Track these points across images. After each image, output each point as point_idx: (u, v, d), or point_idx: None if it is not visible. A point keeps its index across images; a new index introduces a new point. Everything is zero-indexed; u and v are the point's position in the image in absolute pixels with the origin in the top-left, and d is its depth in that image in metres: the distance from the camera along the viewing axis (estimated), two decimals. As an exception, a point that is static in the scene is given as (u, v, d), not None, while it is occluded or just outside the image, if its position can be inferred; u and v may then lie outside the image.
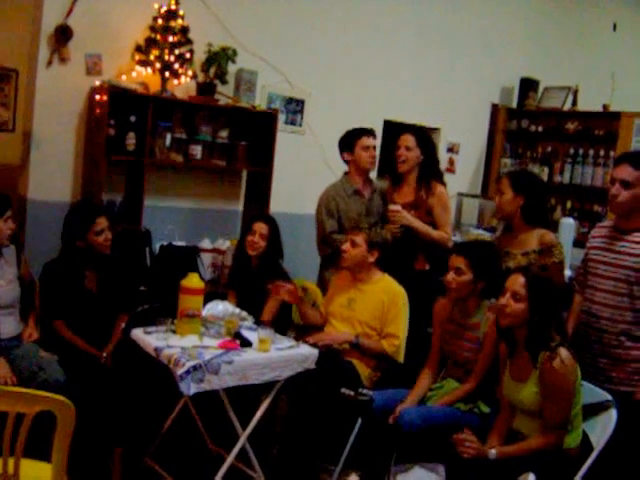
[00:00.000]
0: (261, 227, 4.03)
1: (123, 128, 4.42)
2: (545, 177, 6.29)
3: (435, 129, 6.17)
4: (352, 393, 3.34)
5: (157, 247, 4.63)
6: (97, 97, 4.36)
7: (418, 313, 3.76)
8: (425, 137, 4.29)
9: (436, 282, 3.71)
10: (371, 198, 4.38)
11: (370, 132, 4.35)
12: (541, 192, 3.81)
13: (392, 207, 4.12)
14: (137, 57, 4.46)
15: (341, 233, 4.17)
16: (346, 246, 3.75)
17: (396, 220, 4.07)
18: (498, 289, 3.02)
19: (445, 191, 4.30)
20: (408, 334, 3.74)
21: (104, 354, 3.57)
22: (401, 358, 3.73)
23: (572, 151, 6.24)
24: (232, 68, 4.86)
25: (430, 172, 4.24)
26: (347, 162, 4.38)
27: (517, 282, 2.88)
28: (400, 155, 4.20)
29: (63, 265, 3.70)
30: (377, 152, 4.46)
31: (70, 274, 3.67)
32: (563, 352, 2.78)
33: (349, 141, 4.33)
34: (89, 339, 3.60)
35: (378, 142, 4.61)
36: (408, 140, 4.19)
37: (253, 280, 4.05)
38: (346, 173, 4.42)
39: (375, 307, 3.71)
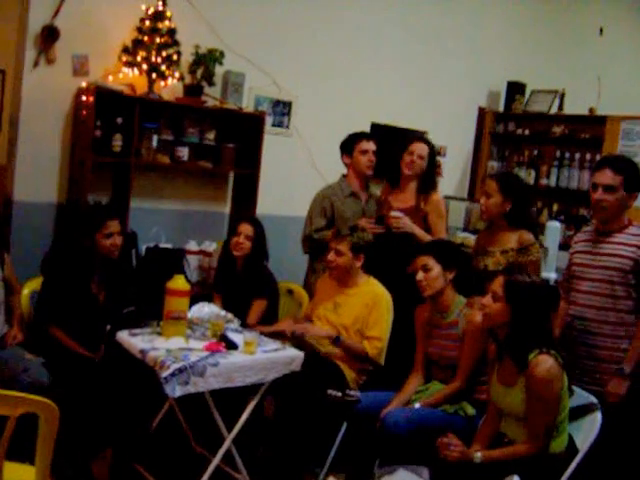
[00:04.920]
0: (246, 228, 4.04)
1: (109, 129, 4.40)
2: (531, 180, 6.32)
3: (422, 132, 6.17)
4: (339, 394, 3.35)
5: (143, 249, 4.61)
6: (83, 98, 4.34)
7: (411, 316, 3.72)
8: (434, 150, 4.36)
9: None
10: (367, 202, 4.42)
11: (370, 137, 4.41)
12: (527, 196, 3.84)
13: (394, 213, 4.13)
14: (124, 58, 4.44)
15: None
16: (331, 256, 3.75)
17: (398, 226, 4.09)
18: (472, 285, 3.02)
19: (441, 199, 4.38)
20: (396, 337, 3.73)
21: (96, 359, 3.54)
22: (382, 360, 3.72)
23: (558, 154, 6.26)
24: (219, 70, 4.85)
25: (430, 181, 4.29)
26: (346, 165, 4.43)
27: (497, 282, 2.88)
28: (412, 162, 4.20)
29: (69, 267, 3.65)
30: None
31: (76, 277, 3.63)
32: (548, 360, 2.74)
33: (349, 144, 4.40)
34: (83, 343, 3.57)
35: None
36: (424, 150, 4.23)
37: (238, 282, 4.05)
38: (344, 176, 4.46)
39: (360, 310, 3.71)
